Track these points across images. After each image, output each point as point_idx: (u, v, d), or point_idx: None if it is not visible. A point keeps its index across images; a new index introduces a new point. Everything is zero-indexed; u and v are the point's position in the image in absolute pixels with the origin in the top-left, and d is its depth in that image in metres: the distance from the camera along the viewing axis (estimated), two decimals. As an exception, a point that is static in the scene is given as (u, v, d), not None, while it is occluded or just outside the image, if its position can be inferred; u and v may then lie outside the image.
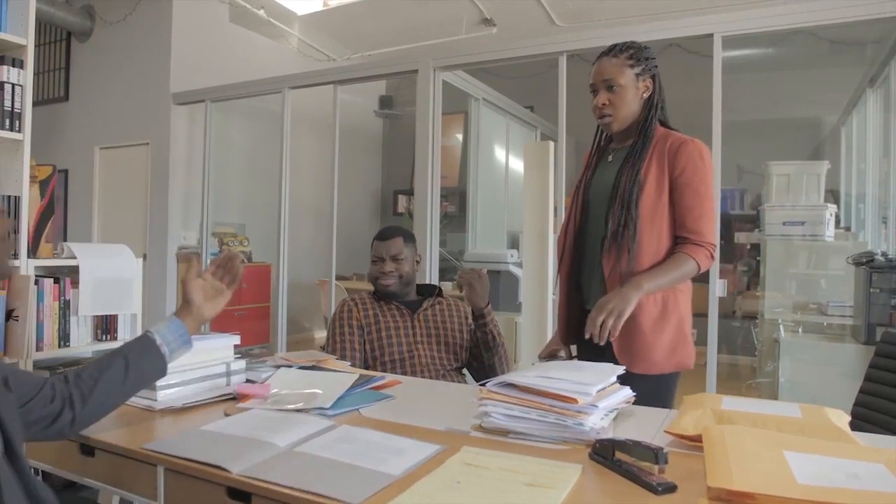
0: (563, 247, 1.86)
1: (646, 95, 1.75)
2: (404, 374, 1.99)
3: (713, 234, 1.68)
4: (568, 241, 1.84)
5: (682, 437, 1.18)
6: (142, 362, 1.22)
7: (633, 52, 1.75)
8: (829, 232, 3.88)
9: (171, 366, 1.31)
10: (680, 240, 1.69)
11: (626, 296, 1.57)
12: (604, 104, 1.74)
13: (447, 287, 5.27)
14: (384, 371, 1.98)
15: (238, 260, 1.45)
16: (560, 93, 3.48)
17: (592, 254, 1.78)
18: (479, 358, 2.15)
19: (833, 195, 4.86)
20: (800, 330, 3.72)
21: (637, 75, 1.74)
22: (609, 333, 1.54)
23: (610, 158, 1.83)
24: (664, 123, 1.79)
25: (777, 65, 5.60)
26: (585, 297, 1.82)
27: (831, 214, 3.89)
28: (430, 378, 2.02)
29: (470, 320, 2.19)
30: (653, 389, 1.59)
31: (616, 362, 1.54)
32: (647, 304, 1.68)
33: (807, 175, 4.17)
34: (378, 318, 2.11)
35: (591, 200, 1.82)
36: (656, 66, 1.78)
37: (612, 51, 1.76)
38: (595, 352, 1.66)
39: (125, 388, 1.19)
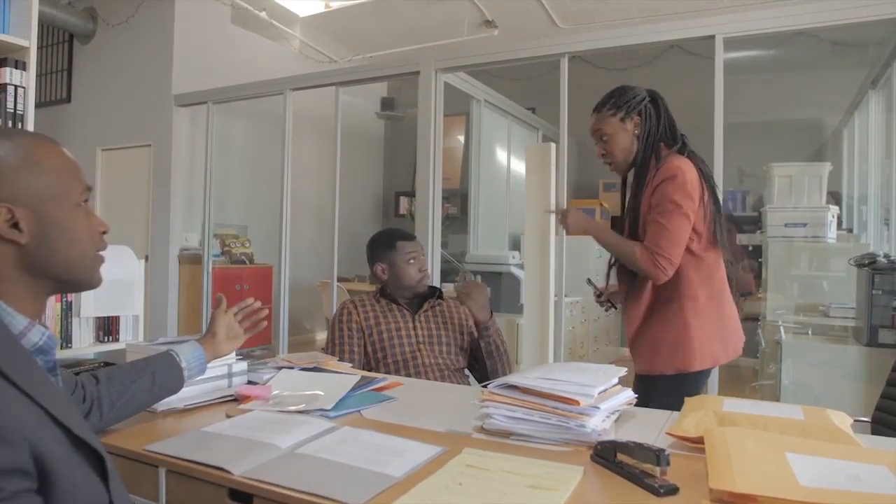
0: None
1: (637, 132, 1.95)
2: (408, 375, 1.98)
3: (668, 250, 1.82)
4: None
5: (684, 438, 1.18)
6: (166, 380, 1.27)
7: (614, 101, 1.97)
8: (831, 233, 3.87)
9: None
10: None
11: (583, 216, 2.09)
12: (602, 154, 2.01)
13: (448, 289, 5.27)
14: (387, 373, 1.98)
15: (264, 313, 1.53)
16: (562, 94, 3.48)
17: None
18: (481, 361, 2.16)
19: (835, 197, 4.85)
20: (808, 332, 3.71)
21: (622, 119, 1.95)
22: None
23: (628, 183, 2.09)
24: (669, 144, 1.96)
25: (779, 66, 5.60)
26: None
27: (833, 216, 3.89)
28: (434, 379, 2.02)
29: (470, 322, 2.19)
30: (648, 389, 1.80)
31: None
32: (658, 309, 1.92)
33: (808, 176, 4.17)
34: (380, 320, 2.10)
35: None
36: (643, 101, 1.96)
37: (597, 107, 2.01)
38: None
39: (147, 400, 1.26)
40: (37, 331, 0.84)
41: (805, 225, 3.89)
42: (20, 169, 0.82)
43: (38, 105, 2.59)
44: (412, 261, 2.14)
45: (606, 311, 2.32)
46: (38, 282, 0.85)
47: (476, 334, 2.17)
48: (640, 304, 1.96)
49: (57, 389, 0.82)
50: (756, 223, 5.71)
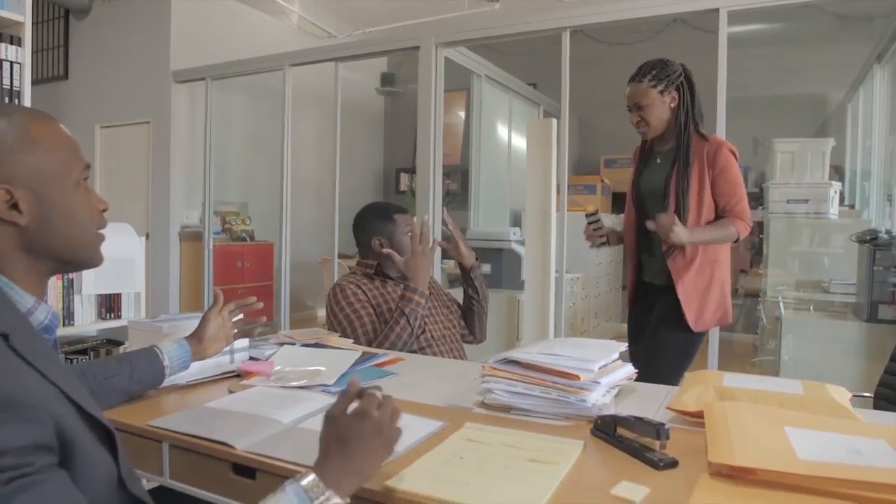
0: (630, 234, 2.37)
1: (673, 105, 2.15)
2: (421, 350, 1.97)
3: (748, 213, 2.14)
4: (631, 229, 2.35)
5: (684, 413, 1.19)
6: (144, 376, 1.27)
7: (655, 74, 2.13)
8: (833, 210, 3.86)
9: None
10: (723, 214, 2.14)
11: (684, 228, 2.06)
12: (637, 121, 2.17)
13: (449, 265, 5.28)
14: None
15: (262, 319, 1.55)
16: (563, 69, 3.45)
17: (650, 237, 2.21)
18: (469, 317, 2.26)
19: (838, 172, 4.83)
20: (809, 308, 3.72)
21: (661, 92, 2.13)
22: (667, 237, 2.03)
23: (658, 161, 2.24)
24: (696, 126, 2.16)
25: (783, 40, 5.54)
26: (646, 272, 2.34)
27: (835, 192, 3.87)
28: (445, 350, 2.03)
29: (453, 298, 2.25)
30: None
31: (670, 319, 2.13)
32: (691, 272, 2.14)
33: (811, 152, 4.14)
34: (386, 299, 2.04)
35: (644, 195, 2.28)
36: (680, 76, 2.15)
37: (637, 76, 2.15)
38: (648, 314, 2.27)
39: (124, 394, 1.25)
40: (42, 309, 0.85)
41: (807, 201, 3.88)
42: (18, 149, 0.80)
43: (34, 82, 2.57)
44: (410, 233, 2.08)
45: (598, 246, 2.51)
46: (40, 262, 0.84)
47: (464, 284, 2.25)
48: (691, 261, 2.15)
49: (65, 367, 0.82)
50: (758, 199, 5.70)
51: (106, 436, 0.82)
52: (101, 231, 0.92)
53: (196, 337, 1.38)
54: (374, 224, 2.10)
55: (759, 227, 5.38)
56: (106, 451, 0.81)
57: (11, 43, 2.39)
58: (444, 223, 2.22)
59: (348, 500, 0.80)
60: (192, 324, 1.57)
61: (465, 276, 2.25)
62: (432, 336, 2.03)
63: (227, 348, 1.58)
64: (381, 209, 2.15)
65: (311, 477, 0.78)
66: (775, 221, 4.00)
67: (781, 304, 3.67)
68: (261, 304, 1.51)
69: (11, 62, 2.40)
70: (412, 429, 1.11)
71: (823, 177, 4.06)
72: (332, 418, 0.86)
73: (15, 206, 0.80)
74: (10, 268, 0.81)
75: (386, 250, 2.07)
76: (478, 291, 2.24)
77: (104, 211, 0.92)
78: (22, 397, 0.68)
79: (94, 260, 0.91)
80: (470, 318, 2.25)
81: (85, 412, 0.78)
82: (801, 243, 4.02)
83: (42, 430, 0.69)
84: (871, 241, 3.13)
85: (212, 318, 1.41)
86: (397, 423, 0.89)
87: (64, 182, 0.84)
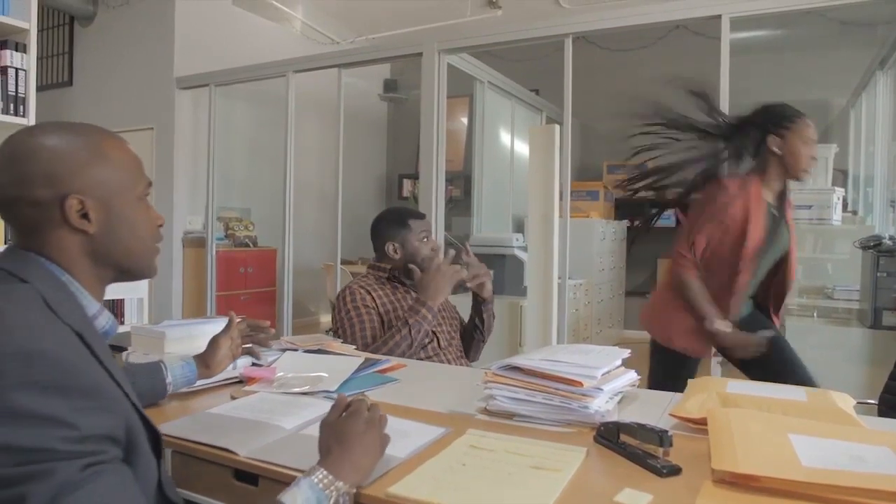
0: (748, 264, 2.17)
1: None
2: (429, 358, 1.97)
3: None
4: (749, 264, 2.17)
5: (687, 419, 1.19)
6: (145, 389, 1.26)
7: None
8: (836, 216, 3.85)
9: (180, 349, 1.47)
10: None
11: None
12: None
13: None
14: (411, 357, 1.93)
15: (264, 344, 1.53)
16: (566, 76, 3.45)
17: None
18: (468, 339, 2.23)
19: (841, 178, 4.81)
20: (813, 315, 3.71)
21: None
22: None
23: (775, 213, 2.19)
24: None
25: (785, 47, 5.53)
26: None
27: (838, 198, 3.87)
28: (453, 359, 2.03)
29: (456, 307, 2.23)
30: None
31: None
32: None
33: (814, 158, 4.12)
34: (396, 306, 2.03)
35: (772, 242, 2.17)
36: None
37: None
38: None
39: None
40: (105, 316, 0.91)
41: (810, 207, 3.87)
42: (90, 163, 0.86)
43: (39, 88, 2.58)
44: (425, 239, 2.08)
45: None
46: (102, 270, 0.90)
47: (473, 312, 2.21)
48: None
49: (123, 371, 0.86)
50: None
51: (154, 441, 0.88)
52: (158, 244, 0.98)
53: (204, 362, 1.38)
54: (389, 228, 2.09)
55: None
56: (152, 454, 0.87)
57: (17, 50, 2.41)
58: (465, 253, 2.12)
59: (355, 491, 0.88)
60: (194, 329, 1.58)
61: (476, 305, 2.20)
62: (439, 345, 2.03)
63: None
64: (397, 214, 2.14)
65: (321, 470, 0.86)
66: (778, 227, 3.99)
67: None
68: (273, 331, 1.51)
69: (17, 69, 2.42)
70: (414, 435, 1.11)
71: (826, 183, 4.06)
72: (328, 424, 0.96)
73: (85, 216, 0.85)
74: (80, 274, 0.87)
75: (398, 256, 2.08)
76: (484, 323, 2.19)
77: (160, 226, 0.98)
78: (103, 388, 0.74)
79: (149, 270, 0.97)
80: (467, 342, 2.21)
81: (140, 414, 0.84)
82: (804, 250, 4.01)
83: (116, 423, 0.75)
84: (874, 247, 3.13)
85: (222, 343, 1.40)
86: (384, 430, 0.98)
87: (129, 195, 0.90)
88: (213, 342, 1.40)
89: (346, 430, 0.93)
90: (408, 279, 2.10)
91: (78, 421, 0.69)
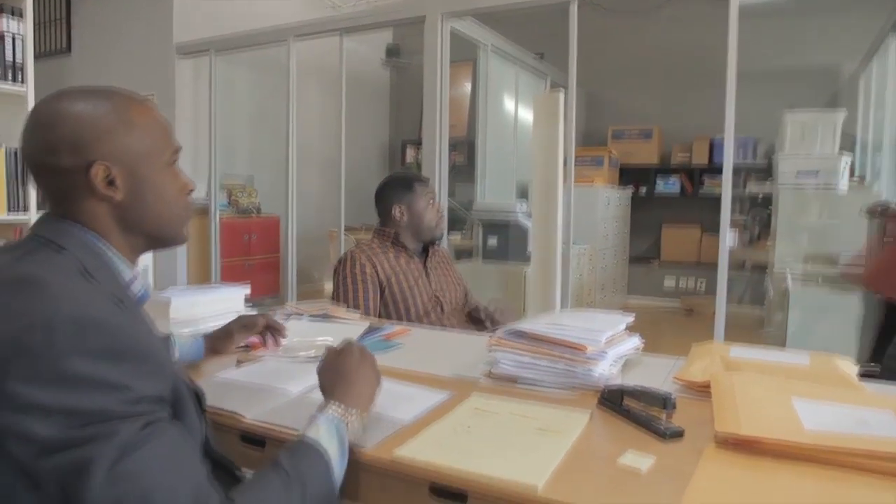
0: None
1: None
2: (432, 324, 1.98)
3: None
4: None
5: (691, 384, 1.19)
6: None
7: None
8: (843, 182, 3.82)
9: (186, 316, 1.48)
10: None
11: None
12: None
13: (456, 238, 5.27)
14: (409, 323, 1.94)
15: (278, 339, 1.46)
16: (570, 41, 3.39)
17: None
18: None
19: (849, 144, 4.76)
20: (817, 281, 3.70)
21: None
22: None
23: None
24: None
25: (795, 10, 5.42)
26: None
27: (846, 164, 3.83)
28: (457, 324, 2.04)
29: (456, 270, 2.24)
30: None
31: None
32: None
33: (822, 124, 4.08)
34: (397, 271, 2.03)
35: None
36: None
37: None
38: None
39: None
40: (139, 283, 0.91)
41: (817, 173, 3.83)
42: (117, 129, 0.85)
43: (37, 56, 2.55)
44: (431, 203, 2.10)
45: None
46: (133, 237, 0.90)
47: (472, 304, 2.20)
48: None
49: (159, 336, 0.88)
50: (766, 171, 5.64)
51: (197, 399, 0.92)
52: (188, 211, 0.97)
53: (213, 345, 1.38)
54: (394, 192, 2.11)
55: (767, 200, 5.35)
56: (196, 412, 0.89)
57: (13, 15, 2.37)
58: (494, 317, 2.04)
59: (366, 415, 0.96)
60: (199, 296, 1.58)
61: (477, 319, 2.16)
62: (443, 311, 2.04)
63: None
64: (403, 178, 2.16)
65: (332, 403, 0.93)
66: (784, 194, 3.97)
67: (789, 276, 3.65)
68: (285, 342, 1.48)
69: (13, 35, 2.38)
70: (419, 399, 1.12)
71: (834, 149, 4.01)
72: (324, 367, 1.03)
73: (112, 183, 0.85)
74: (113, 241, 0.87)
75: (404, 219, 2.09)
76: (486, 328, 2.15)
77: (190, 192, 0.97)
78: (150, 352, 0.76)
79: (179, 237, 0.96)
80: (472, 324, 2.19)
81: (179, 376, 0.85)
82: (809, 216, 4.00)
83: (164, 385, 0.77)
84: (881, 213, 3.10)
85: (237, 337, 1.40)
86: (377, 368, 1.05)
87: (156, 162, 0.89)
88: (228, 331, 1.39)
89: (344, 366, 1.00)
90: (412, 244, 2.11)
91: (131, 384, 0.71)
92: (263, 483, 0.79)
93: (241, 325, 1.42)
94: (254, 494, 0.77)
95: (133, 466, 0.68)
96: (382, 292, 2.01)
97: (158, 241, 0.94)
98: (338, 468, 0.87)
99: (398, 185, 2.12)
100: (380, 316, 2.00)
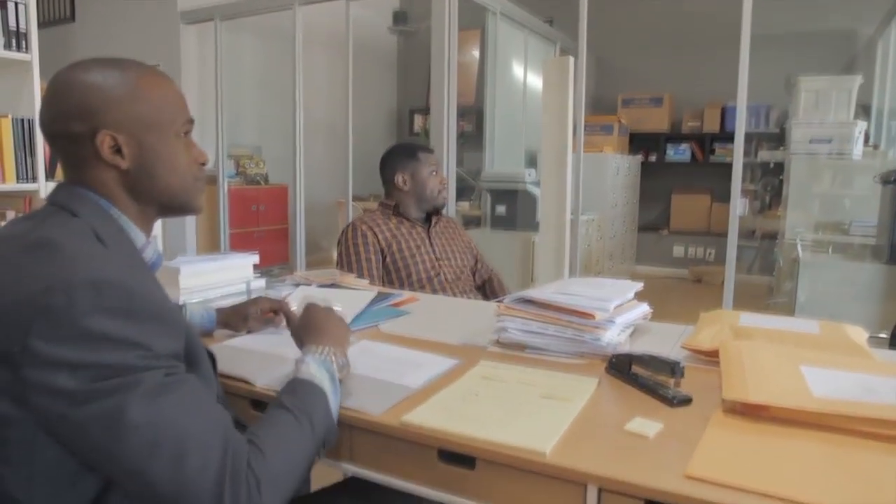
0: None
1: None
2: (433, 292, 1.99)
3: None
4: None
5: (699, 351, 1.19)
6: None
7: None
8: (857, 150, 3.76)
9: (195, 285, 1.52)
10: None
11: None
12: None
13: (464, 207, 5.25)
14: (412, 290, 1.97)
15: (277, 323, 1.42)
16: (581, 5, 3.32)
17: None
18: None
19: (864, 110, 4.68)
20: (828, 250, 3.68)
21: None
22: None
23: None
24: None
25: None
26: None
27: (860, 132, 3.77)
28: (458, 293, 2.04)
29: (473, 245, 2.24)
30: None
31: None
32: None
33: (837, 90, 4.01)
34: (398, 238, 2.06)
35: None
36: None
37: None
38: None
39: None
40: (151, 248, 0.93)
41: (830, 141, 3.78)
42: (125, 98, 0.86)
43: (41, 24, 2.52)
44: (434, 172, 2.11)
45: None
46: (144, 206, 0.91)
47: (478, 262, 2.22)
48: None
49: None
50: (778, 139, 5.56)
51: (210, 359, 0.95)
52: (201, 182, 0.97)
53: (224, 320, 1.37)
54: (398, 160, 2.13)
55: (779, 168, 5.28)
56: (211, 371, 0.93)
57: (16, -19, 2.34)
58: None
59: (344, 354, 1.02)
60: (208, 265, 1.59)
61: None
62: (446, 278, 2.04)
63: (244, 288, 1.60)
64: (407, 147, 2.19)
65: (312, 347, 0.98)
66: (797, 162, 3.92)
67: (799, 245, 3.63)
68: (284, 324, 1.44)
69: (16, 2, 2.36)
70: (427, 366, 1.12)
71: (849, 116, 3.95)
72: (296, 327, 1.09)
73: (118, 151, 0.86)
74: (124, 208, 0.89)
75: (406, 187, 2.12)
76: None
77: (203, 164, 0.97)
78: (166, 312, 0.78)
79: (192, 206, 0.97)
80: (481, 292, 2.24)
81: (194, 335, 0.88)
82: (822, 184, 3.95)
83: (180, 344, 0.80)
84: (895, 181, 3.06)
85: (250, 313, 1.37)
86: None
87: (165, 132, 0.90)
88: (240, 309, 1.38)
89: (312, 320, 1.07)
90: (414, 213, 2.13)
91: (149, 342, 0.73)
92: (275, 420, 0.84)
93: (258, 309, 1.38)
94: (270, 431, 0.81)
95: (164, 410, 0.71)
96: (384, 259, 2.05)
97: (170, 210, 0.95)
98: (333, 400, 0.91)
99: (402, 153, 2.15)
100: (382, 283, 2.03)
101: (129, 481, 0.72)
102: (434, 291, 2.00)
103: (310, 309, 1.10)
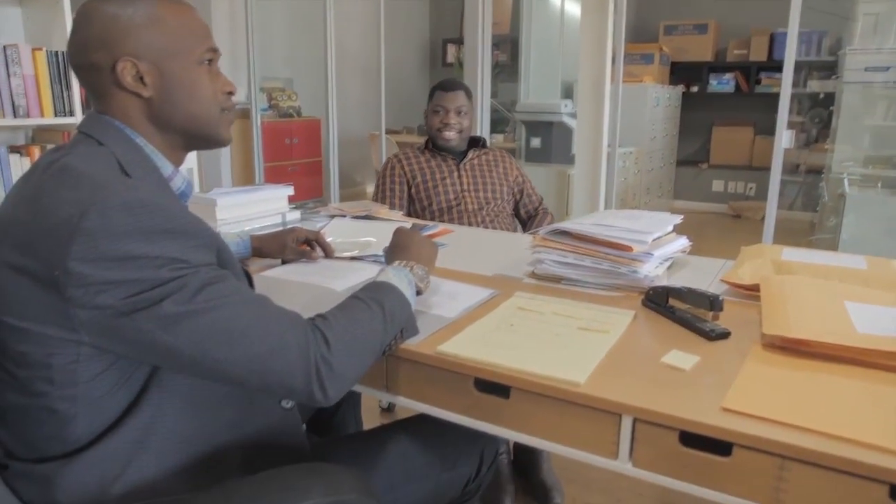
0: None
1: None
2: (452, 222, 2.05)
3: None
4: None
5: (739, 286, 1.17)
6: None
7: None
8: (916, 78, 3.56)
9: (231, 216, 1.55)
10: None
11: None
12: None
13: (498, 139, 5.17)
14: (432, 219, 2.05)
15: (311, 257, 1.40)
16: (625, -77, 3.14)
17: None
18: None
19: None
20: (878, 185, 3.53)
21: None
22: None
23: None
24: None
25: None
26: None
27: (921, 58, 3.55)
28: (477, 224, 2.07)
29: (516, 173, 2.24)
30: None
31: None
32: None
33: (898, 14, 3.76)
34: (424, 170, 2.15)
35: None
36: None
37: None
38: None
39: None
40: (180, 177, 0.93)
41: (887, 69, 3.57)
42: (144, 26, 0.86)
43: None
44: (437, 111, 2.14)
45: None
46: (170, 135, 0.91)
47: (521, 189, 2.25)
48: None
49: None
50: (831, 68, 5.29)
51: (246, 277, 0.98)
52: (228, 112, 0.97)
53: (259, 248, 1.38)
54: (428, 97, 2.21)
55: (829, 99, 5.05)
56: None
57: None
58: None
59: (427, 270, 1.06)
60: (243, 197, 1.60)
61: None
62: (466, 209, 2.07)
63: (280, 220, 1.62)
64: (437, 84, 2.23)
65: (395, 261, 1.04)
66: (849, 91, 3.73)
67: (847, 180, 3.50)
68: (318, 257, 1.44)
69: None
70: (462, 296, 1.13)
71: (907, 41, 3.72)
72: (388, 249, 1.12)
73: (141, 79, 0.86)
74: (150, 137, 0.89)
75: (425, 124, 2.24)
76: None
77: (230, 93, 0.97)
78: (199, 228, 0.80)
79: (217, 137, 0.96)
80: (525, 226, 2.28)
81: (228, 250, 0.90)
82: (875, 116, 3.76)
83: (213, 256, 0.82)
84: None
85: (287, 241, 1.37)
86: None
87: (186, 59, 0.89)
88: (279, 236, 1.39)
89: (399, 240, 1.12)
90: (435, 147, 2.19)
91: (187, 256, 0.76)
92: (343, 304, 0.89)
93: (294, 237, 1.38)
94: (339, 312, 0.87)
95: (215, 298, 0.76)
96: (409, 189, 2.15)
97: (195, 140, 0.94)
98: (410, 296, 0.96)
99: (432, 90, 2.22)
100: (407, 212, 2.13)
101: (210, 374, 0.77)
102: (452, 220, 2.06)
103: (398, 231, 1.15)
